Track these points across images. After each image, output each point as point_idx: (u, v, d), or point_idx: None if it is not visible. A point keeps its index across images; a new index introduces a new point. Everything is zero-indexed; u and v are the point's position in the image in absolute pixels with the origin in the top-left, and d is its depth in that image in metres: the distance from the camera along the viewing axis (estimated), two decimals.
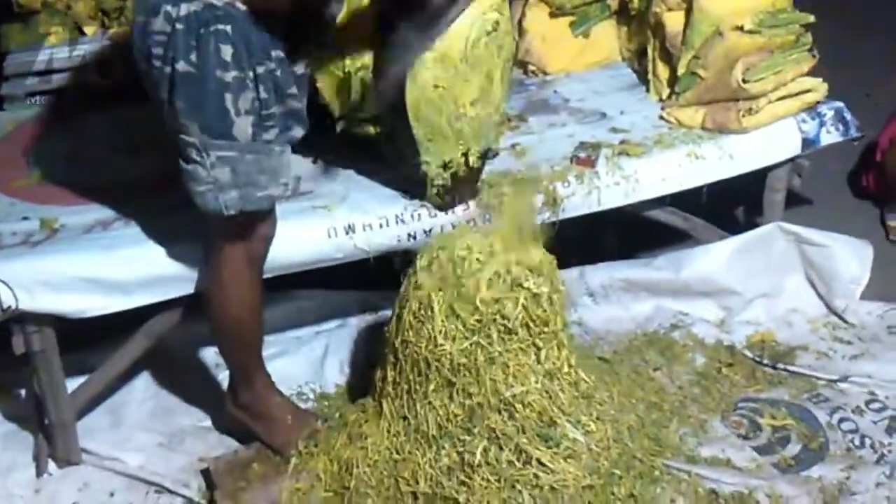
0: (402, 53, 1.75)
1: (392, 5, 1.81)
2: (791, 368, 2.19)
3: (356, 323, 2.40)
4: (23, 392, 2.19)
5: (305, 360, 2.30)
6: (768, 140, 2.28)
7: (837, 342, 2.29)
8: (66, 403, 2.04)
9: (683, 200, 2.31)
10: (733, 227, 2.48)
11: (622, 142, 2.28)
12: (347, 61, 2.00)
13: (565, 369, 1.84)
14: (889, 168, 2.69)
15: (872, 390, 2.11)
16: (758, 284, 2.37)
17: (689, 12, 2.34)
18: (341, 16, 1.90)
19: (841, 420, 2.04)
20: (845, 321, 2.34)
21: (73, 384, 2.07)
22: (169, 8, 1.58)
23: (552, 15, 2.65)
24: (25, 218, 2.08)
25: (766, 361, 2.22)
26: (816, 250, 2.35)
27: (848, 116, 2.34)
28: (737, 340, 2.28)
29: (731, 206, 2.66)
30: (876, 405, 2.08)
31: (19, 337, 1.95)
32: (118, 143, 2.32)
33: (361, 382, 2.13)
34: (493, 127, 2.04)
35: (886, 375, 2.14)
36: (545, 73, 2.68)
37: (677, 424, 2.01)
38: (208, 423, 2.17)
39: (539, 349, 1.80)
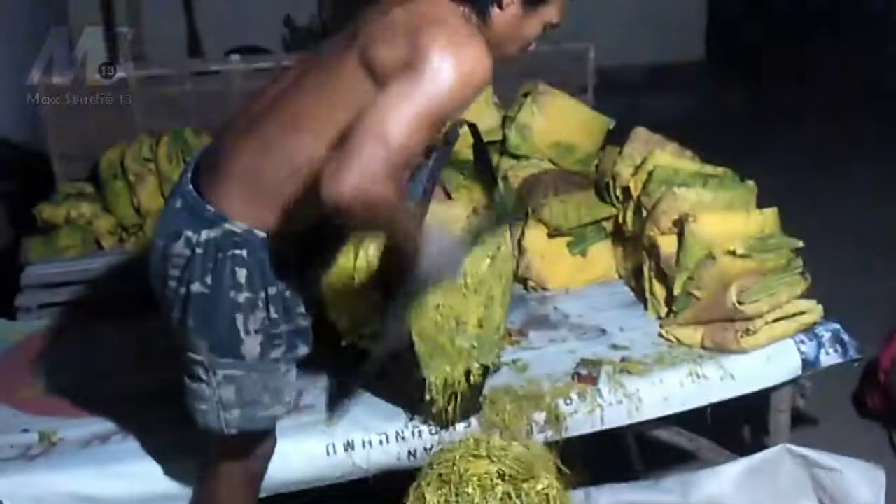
0: (401, 314, 1.80)
1: (389, 269, 1.89)
2: None
3: None
4: None
5: None
6: (768, 361, 2.29)
7: None
8: None
9: (688, 420, 2.29)
10: (740, 448, 2.44)
11: (623, 359, 2.30)
12: (356, 280, 2.06)
13: None
14: (893, 389, 2.68)
15: None
16: None
17: (681, 235, 2.43)
18: (336, 275, 1.98)
19: None
20: None
21: None
22: (190, 233, 1.65)
23: (550, 235, 2.76)
24: (25, 430, 2.07)
25: None
26: (827, 474, 2.29)
27: (846, 338, 2.37)
28: None
29: (736, 425, 2.62)
30: None
31: None
32: (124, 356, 2.36)
33: None
34: (494, 345, 2.07)
35: None
36: (545, 289, 2.75)
37: None
38: None
39: None
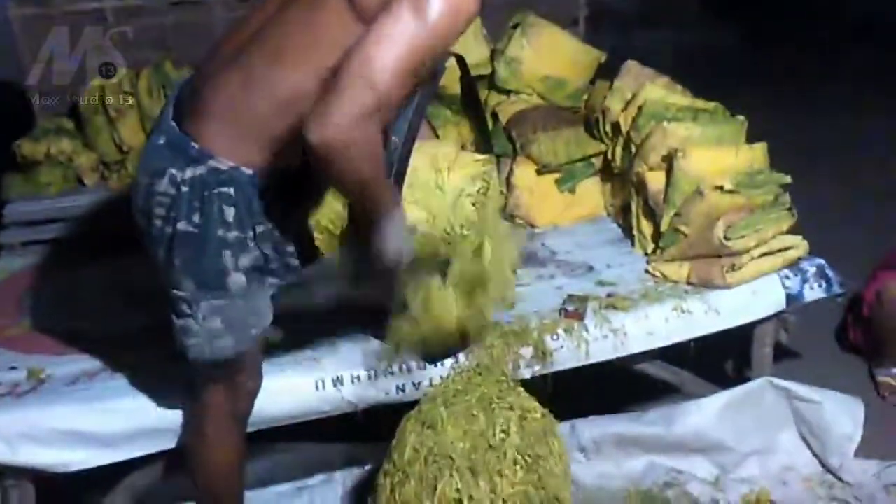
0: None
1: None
2: None
3: (341, 478, 2.33)
4: None
5: None
6: (753, 296, 2.31)
7: (834, 502, 2.24)
8: None
9: (672, 354, 2.32)
10: (723, 381, 2.47)
11: (609, 295, 2.31)
12: (346, 220, 2.04)
13: None
14: (876, 324, 2.70)
15: None
16: (750, 440, 2.34)
17: (669, 172, 2.42)
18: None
19: None
20: (841, 480, 2.29)
21: None
22: (174, 171, 1.62)
23: (539, 172, 2.74)
24: (13, 368, 2.08)
25: None
26: (808, 406, 2.34)
27: (830, 273, 2.38)
28: (732, 500, 2.23)
29: (719, 359, 2.66)
30: None
31: None
32: (110, 294, 2.35)
33: None
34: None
35: None
36: (533, 226, 2.75)
37: None
38: None
39: None
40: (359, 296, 1.87)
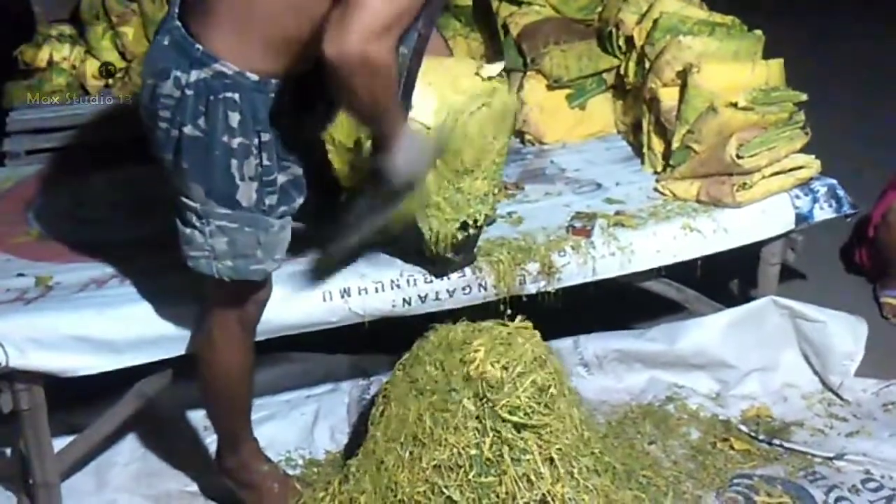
0: (357, 222, 1.80)
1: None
2: (787, 445, 2.17)
3: (348, 388, 2.37)
4: (8, 450, 2.15)
5: (295, 425, 2.27)
6: (762, 215, 2.30)
7: (833, 419, 2.27)
8: (52, 464, 2.00)
9: (678, 272, 2.32)
10: (727, 300, 2.48)
11: (617, 213, 2.30)
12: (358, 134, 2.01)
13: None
14: (882, 244, 2.70)
15: (868, 469, 2.09)
16: (752, 358, 2.36)
17: (683, 88, 2.39)
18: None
19: (837, 499, 2.01)
20: (840, 398, 2.32)
21: (59, 444, 2.03)
22: (179, 73, 1.59)
23: (549, 87, 2.70)
24: (21, 274, 2.08)
25: (761, 437, 2.19)
26: (811, 325, 2.35)
27: (841, 193, 2.37)
28: (732, 415, 2.27)
29: (725, 278, 2.67)
30: (872, 484, 2.05)
31: (7, 395, 1.92)
32: (118, 202, 2.34)
33: (352, 448, 2.10)
34: (489, 198, 2.05)
35: (882, 454, 2.12)
36: (542, 143, 2.72)
37: (672, 501, 1.98)
38: (195, 487, 2.12)
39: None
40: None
